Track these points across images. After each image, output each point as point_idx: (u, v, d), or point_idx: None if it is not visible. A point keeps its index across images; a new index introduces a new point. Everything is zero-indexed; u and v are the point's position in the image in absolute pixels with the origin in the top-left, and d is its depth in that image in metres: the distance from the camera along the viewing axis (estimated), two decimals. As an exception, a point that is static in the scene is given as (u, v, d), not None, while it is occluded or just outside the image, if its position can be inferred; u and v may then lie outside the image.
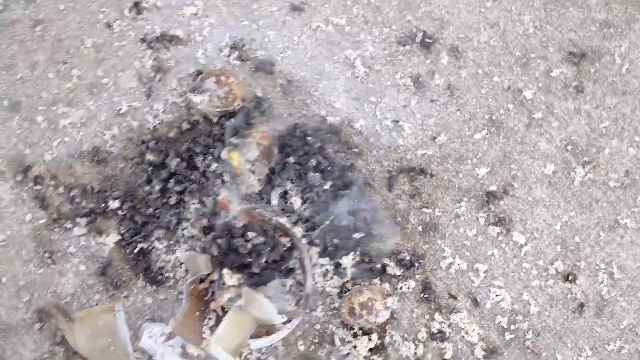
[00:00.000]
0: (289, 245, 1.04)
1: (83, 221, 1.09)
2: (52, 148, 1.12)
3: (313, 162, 1.08)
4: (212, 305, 1.02)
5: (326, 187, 1.09)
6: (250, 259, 1.00)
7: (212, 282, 1.03)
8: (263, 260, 1.01)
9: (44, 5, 1.15)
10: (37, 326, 1.08)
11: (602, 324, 1.10)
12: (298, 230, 1.05)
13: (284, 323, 1.03)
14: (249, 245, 1.00)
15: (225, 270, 1.01)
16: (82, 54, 1.14)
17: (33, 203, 1.10)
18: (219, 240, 1.02)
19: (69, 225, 1.09)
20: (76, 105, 1.13)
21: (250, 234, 1.01)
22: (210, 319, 1.03)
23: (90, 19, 1.15)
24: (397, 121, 1.13)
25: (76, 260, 1.09)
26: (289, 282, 1.05)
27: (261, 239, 1.01)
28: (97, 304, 1.08)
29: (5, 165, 1.11)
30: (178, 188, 1.07)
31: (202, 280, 1.03)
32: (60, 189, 1.10)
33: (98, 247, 1.09)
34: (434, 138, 1.12)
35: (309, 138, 1.10)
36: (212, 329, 1.02)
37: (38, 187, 1.10)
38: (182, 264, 1.08)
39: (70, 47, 1.14)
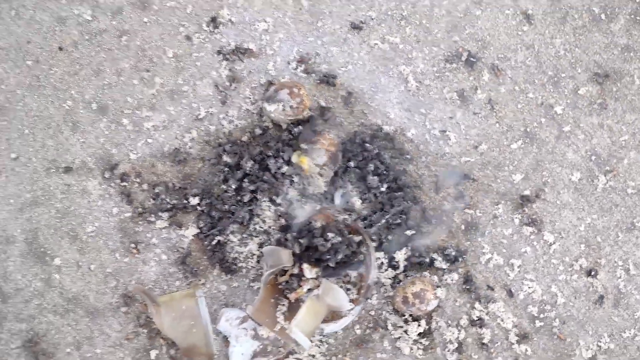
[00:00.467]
0: (358, 241, 1.18)
1: (165, 215, 1.21)
2: (136, 148, 1.23)
3: (371, 166, 1.22)
4: (292, 295, 1.15)
5: (383, 189, 1.23)
6: (329, 256, 1.15)
7: (292, 275, 1.17)
8: (340, 256, 1.15)
9: (129, 17, 1.25)
10: (122, 309, 1.20)
11: (618, 314, 1.25)
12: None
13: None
14: (329, 244, 1.14)
15: (305, 265, 1.15)
16: (164, 63, 1.25)
17: (119, 198, 1.21)
18: (301, 240, 1.15)
19: (152, 219, 1.21)
20: (158, 109, 1.24)
21: (330, 235, 1.15)
22: (283, 305, 1.17)
23: (171, 31, 1.25)
24: (444, 131, 1.26)
25: (158, 250, 1.21)
26: (354, 274, 1.19)
27: (338, 239, 1.15)
28: (177, 290, 1.20)
29: (94, 163, 1.22)
30: (251, 187, 1.20)
31: (282, 273, 1.17)
32: (144, 186, 1.22)
33: (178, 238, 1.21)
34: (476, 147, 1.26)
35: (367, 145, 1.23)
36: (285, 314, 1.15)
37: (124, 183, 1.21)
38: (254, 255, 1.20)
39: (153, 57, 1.25)
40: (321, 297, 1.10)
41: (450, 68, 1.28)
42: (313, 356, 1.19)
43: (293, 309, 1.15)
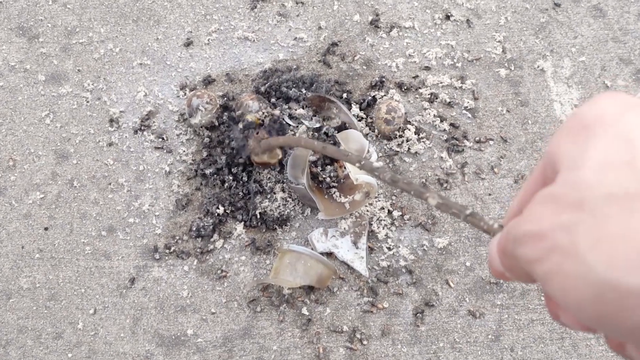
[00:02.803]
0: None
1: (215, 237, 1.49)
2: (156, 225, 1.51)
3: (284, 89, 1.60)
4: (340, 172, 1.43)
5: (304, 91, 1.61)
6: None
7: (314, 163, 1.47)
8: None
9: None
10: (260, 311, 1.44)
11: None
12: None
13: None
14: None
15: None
16: (122, 189, 1.55)
17: (178, 262, 1.48)
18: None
19: (210, 247, 1.48)
20: (143, 190, 1.53)
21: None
22: (334, 189, 1.44)
23: (98, 158, 1.56)
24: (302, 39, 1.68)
25: (236, 258, 1.43)
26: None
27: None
28: (272, 267, 1.47)
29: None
30: (240, 168, 1.52)
31: (311, 170, 1.47)
32: (185, 237, 1.50)
33: (238, 239, 1.47)
34: None
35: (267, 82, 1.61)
36: (342, 194, 1.43)
37: (169, 251, 1.48)
38: (286, 198, 1.50)
39: (111, 182, 1.55)
40: (346, 146, 1.42)
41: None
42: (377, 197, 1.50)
43: (343, 188, 1.45)
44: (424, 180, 1.50)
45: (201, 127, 1.52)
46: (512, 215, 0.49)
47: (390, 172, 0.69)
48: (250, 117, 1.45)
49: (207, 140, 1.53)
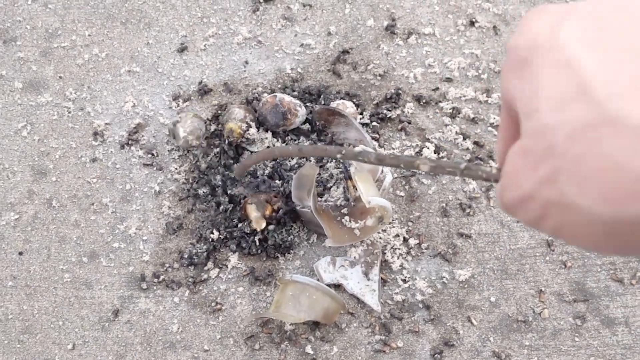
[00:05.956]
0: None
1: (210, 264, 1.43)
2: (143, 251, 1.46)
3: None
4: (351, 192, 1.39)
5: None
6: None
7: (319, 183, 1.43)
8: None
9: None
10: (258, 348, 1.38)
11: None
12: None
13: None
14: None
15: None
16: (107, 210, 1.50)
17: (168, 293, 1.42)
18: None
19: (205, 276, 1.43)
20: (129, 211, 1.48)
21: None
22: (343, 214, 1.41)
23: (80, 168, 1.52)
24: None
25: (232, 289, 1.39)
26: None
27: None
28: (272, 298, 1.42)
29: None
30: (236, 190, 1.47)
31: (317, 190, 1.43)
32: (175, 265, 1.44)
33: (235, 269, 1.42)
34: None
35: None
36: (352, 219, 1.40)
37: (157, 280, 1.43)
38: (294, 223, 1.46)
39: (95, 202, 1.50)
40: (358, 165, 1.37)
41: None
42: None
43: (353, 212, 1.41)
44: (444, 204, 1.45)
45: (189, 148, 1.47)
46: (500, 163, 0.51)
47: (374, 152, 0.68)
48: (231, 125, 1.42)
49: (199, 164, 1.48)
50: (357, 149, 0.73)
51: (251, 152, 1.46)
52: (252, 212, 1.39)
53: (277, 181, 1.43)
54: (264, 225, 1.38)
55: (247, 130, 1.45)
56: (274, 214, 1.40)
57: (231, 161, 1.46)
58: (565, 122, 0.36)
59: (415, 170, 0.60)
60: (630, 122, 0.34)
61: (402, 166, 0.65)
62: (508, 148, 0.45)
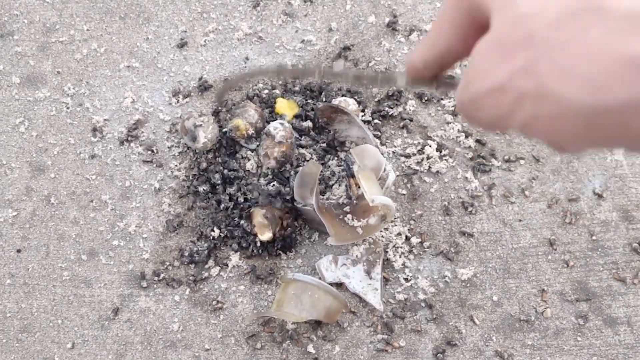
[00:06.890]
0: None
1: (211, 262, 1.44)
2: (143, 250, 1.46)
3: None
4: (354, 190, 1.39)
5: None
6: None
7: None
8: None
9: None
10: (259, 347, 1.39)
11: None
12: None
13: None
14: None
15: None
16: (105, 206, 1.50)
17: (169, 290, 1.43)
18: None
19: (205, 274, 1.43)
20: (128, 208, 1.48)
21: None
22: (346, 212, 1.41)
23: (81, 168, 1.52)
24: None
25: (233, 288, 1.39)
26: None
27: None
28: (274, 297, 1.42)
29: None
30: (235, 188, 1.48)
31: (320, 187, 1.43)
32: (176, 263, 1.44)
33: (236, 267, 1.42)
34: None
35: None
36: (354, 217, 1.39)
37: (158, 278, 1.43)
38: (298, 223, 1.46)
39: (93, 199, 1.50)
40: (361, 163, 1.37)
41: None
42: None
43: (355, 210, 1.41)
44: (445, 203, 1.46)
45: (209, 148, 1.46)
46: (412, 67, 0.54)
47: (352, 71, 0.69)
48: (239, 123, 1.41)
49: (205, 165, 1.48)
50: (335, 69, 0.73)
51: (248, 149, 1.45)
52: (257, 216, 1.39)
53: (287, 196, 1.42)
54: (269, 237, 1.38)
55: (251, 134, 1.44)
56: (282, 231, 1.40)
57: (227, 159, 1.45)
58: (548, 9, 0.35)
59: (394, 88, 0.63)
60: (618, 10, 0.33)
61: (379, 83, 0.66)
62: (440, 51, 0.48)
